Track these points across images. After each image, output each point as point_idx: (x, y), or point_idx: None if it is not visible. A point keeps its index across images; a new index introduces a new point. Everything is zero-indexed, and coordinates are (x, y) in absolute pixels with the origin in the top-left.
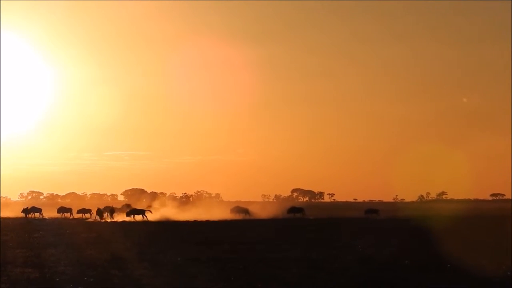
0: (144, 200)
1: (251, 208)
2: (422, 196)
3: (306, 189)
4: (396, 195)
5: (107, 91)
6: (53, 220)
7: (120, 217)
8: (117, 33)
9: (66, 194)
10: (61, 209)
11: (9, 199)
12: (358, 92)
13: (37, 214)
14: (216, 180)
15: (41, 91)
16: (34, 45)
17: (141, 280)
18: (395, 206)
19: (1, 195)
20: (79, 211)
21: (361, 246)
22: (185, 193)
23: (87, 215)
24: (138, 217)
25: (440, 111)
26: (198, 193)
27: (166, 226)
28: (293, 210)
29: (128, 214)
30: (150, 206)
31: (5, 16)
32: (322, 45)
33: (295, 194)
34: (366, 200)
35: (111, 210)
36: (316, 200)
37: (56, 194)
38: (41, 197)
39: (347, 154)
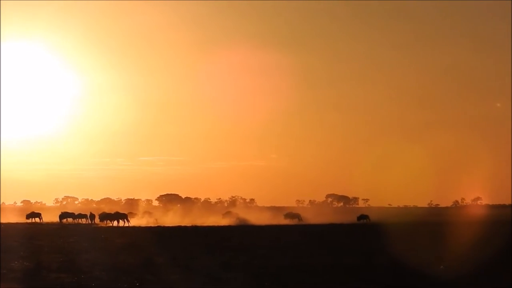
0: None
1: (246, 215)
2: (457, 201)
3: (340, 194)
4: (431, 201)
5: (142, 96)
6: (86, 226)
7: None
8: (149, 38)
9: (101, 199)
10: (64, 215)
11: (44, 204)
12: (390, 98)
13: (37, 219)
14: (250, 185)
15: (75, 96)
16: (66, 51)
17: (174, 285)
18: (429, 211)
19: (36, 200)
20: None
21: (393, 252)
22: (220, 198)
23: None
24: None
25: (475, 116)
26: (233, 199)
27: (199, 231)
28: (289, 215)
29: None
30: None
31: (27, 23)
32: (355, 52)
33: (329, 199)
34: (400, 206)
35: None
36: (351, 205)
37: (91, 199)
38: (76, 202)
39: (382, 159)
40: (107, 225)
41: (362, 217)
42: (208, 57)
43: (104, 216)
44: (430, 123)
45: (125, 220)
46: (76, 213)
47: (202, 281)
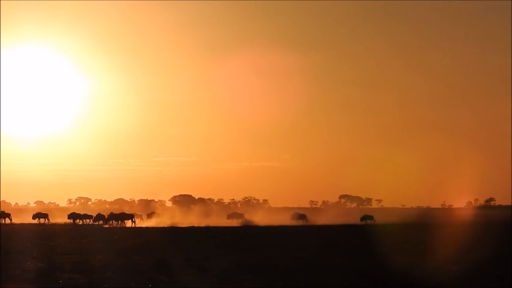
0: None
1: (254, 215)
2: (470, 202)
3: (353, 195)
4: (444, 201)
5: (155, 98)
6: (99, 227)
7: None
8: (162, 39)
9: (114, 200)
10: (72, 215)
11: (58, 204)
12: (402, 99)
13: (43, 220)
14: (263, 186)
15: (89, 97)
16: (78, 53)
17: (187, 286)
18: (442, 212)
19: (50, 201)
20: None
21: (404, 253)
22: (233, 199)
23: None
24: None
25: (489, 117)
26: (246, 199)
27: (213, 232)
28: (295, 216)
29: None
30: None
31: (41, 28)
32: (367, 53)
33: (342, 200)
34: (414, 206)
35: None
36: (364, 206)
37: (104, 200)
38: (89, 203)
39: (395, 160)
40: (113, 225)
41: (366, 217)
42: (220, 59)
43: (110, 217)
44: (442, 124)
45: (132, 220)
46: (82, 214)
47: (215, 282)
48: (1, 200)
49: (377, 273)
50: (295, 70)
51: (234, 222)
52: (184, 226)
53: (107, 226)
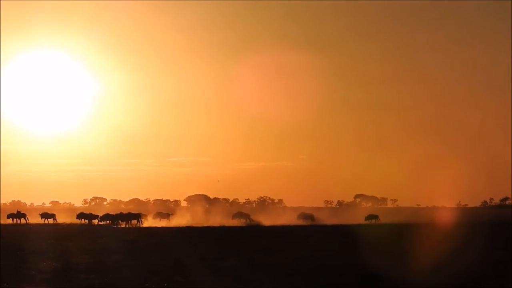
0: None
1: (253, 215)
2: (485, 201)
3: (369, 195)
4: (459, 201)
5: (171, 97)
6: (116, 227)
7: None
8: (176, 39)
9: (129, 200)
10: (81, 215)
11: (73, 204)
12: (421, 97)
13: (50, 220)
14: (278, 186)
15: (104, 98)
16: (89, 53)
17: (202, 286)
18: (456, 212)
19: (65, 201)
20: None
21: (418, 254)
22: (248, 199)
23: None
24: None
25: (496, 117)
26: (261, 199)
27: (227, 232)
28: (302, 216)
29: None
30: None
31: (52, 30)
32: (385, 52)
33: (358, 200)
34: (429, 206)
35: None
36: (379, 206)
37: (120, 200)
38: (105, 203)
39: (410, 160)
40: (119, 225)
41: (371, 217)
42: (236, 58)
43: (117, 217)
44: (455, 124)
45: (139, 220)
46: (89, 214)
47: (230, 282)
48: (17, 200)
49: (382, 274)
50: (310, 70)
51: (239, 222)
52: (198, 226)
53: (114, 226)
